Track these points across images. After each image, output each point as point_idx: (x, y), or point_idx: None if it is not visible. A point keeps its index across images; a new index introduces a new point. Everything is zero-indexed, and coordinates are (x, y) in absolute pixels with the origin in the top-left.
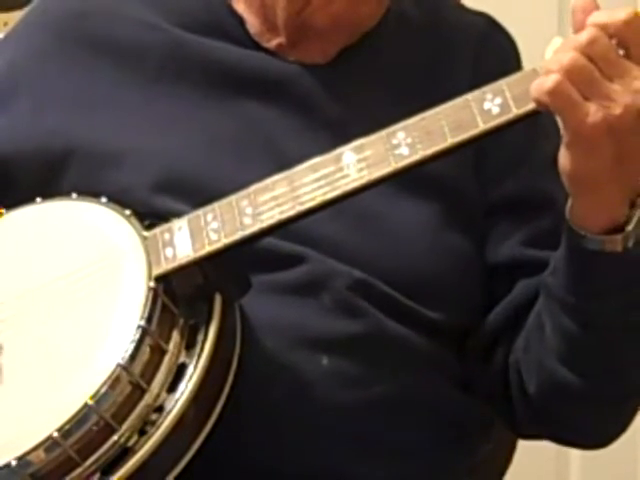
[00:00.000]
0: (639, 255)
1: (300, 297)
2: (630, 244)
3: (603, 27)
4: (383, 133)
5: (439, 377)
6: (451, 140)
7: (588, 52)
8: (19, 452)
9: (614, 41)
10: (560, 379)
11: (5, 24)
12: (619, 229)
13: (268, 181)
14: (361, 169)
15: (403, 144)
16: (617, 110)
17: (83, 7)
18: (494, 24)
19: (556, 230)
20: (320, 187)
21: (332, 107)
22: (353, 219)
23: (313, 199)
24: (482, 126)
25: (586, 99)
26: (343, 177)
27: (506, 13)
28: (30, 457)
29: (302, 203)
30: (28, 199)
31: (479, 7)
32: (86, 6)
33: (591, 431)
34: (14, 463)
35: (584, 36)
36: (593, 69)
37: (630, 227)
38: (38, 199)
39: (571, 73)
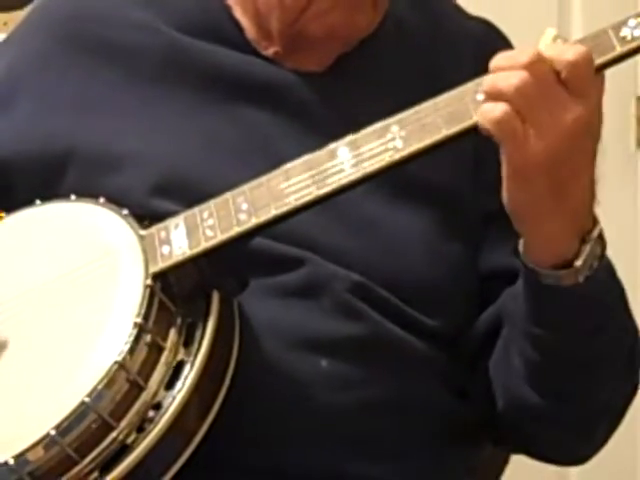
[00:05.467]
0: (593, 289)
1: (300, 300)
2: (581, 279)
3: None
4: (377, 127)
5: (437, 380)
6: (445, 132)
7: (532, 72)
8: (17, 450)
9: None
10: (525, 399)
11: (5, 24)
12: (571, 264)
13: (264, 177)
14: (355, 164)
15: (397, 137)
16: (548, 141)
17: (83, 10)
18: (494, 30)
19: None
20: (315, 182)
21: (330, 114)
22: (352, 224)
23: (309, 194)
24: (476, 118)
25: (524, 128)
26: (338, 172)
27: (506, 14)
28: (28, 455)
29: (298, 198)
30: (27, 202)
31: (480, 7)
32: (86, 9)
33: (561, 450)
34: (12, 461)
35: (525, 56)
36: (538, 94)
37: (579, 263)
38: (37, 201)
39: (521, 94)
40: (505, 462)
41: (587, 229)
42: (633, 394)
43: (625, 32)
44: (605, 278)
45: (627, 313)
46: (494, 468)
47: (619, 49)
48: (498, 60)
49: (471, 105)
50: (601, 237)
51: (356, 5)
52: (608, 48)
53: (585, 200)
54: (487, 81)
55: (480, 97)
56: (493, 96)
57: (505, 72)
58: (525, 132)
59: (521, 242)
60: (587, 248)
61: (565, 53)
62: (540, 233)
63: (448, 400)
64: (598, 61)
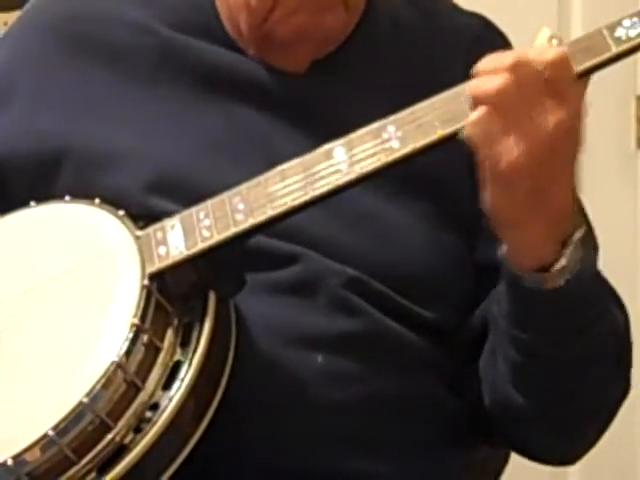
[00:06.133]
0: (575, 291)
1: (294, 296)
2: (562, 282)
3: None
4: (373, 127)
5: (435, 375)
6: (442, 132)
7: (514, 75)
8: (15, 451)
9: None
10: (510, 400)
11: (5, 24)
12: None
13: (261, 178)
14: (352, 164)
15: (394, 137)
16: (529, 145)
17: (77, 9)
18: (489, 25)
19: None
20: (311, 183)
21: (316, 114)
22: (348, 219)
23: (305, 195)
24: None
25: (505, 132)
26: (334, 172)
27: (506, 14)
28: (26, 456)
29: (294, 199)
30: (23, 202)
31: (481, 7)
32: (80, 8)
33: (550, 450)
34: (10, 462)
35: (509, 58)
36: (520, 97)
37: (559, 266)
38: (32, 203)
39: (502, 97)
40: (505, 461)
41: (569, 232)
42: (625, 394)
43: (620, 32)
44: (588, 280)
45: (614, 314)
46: (493, 466)
47: (614, 49)
48: (483, 64)
49: (467, 105)
50: (583, 240)
51: (323, 6)
52: (603, 48)
53: (566, 204)
54: (471, 84)
55: None
56: (476, 99)
57: (489, 75)
58: (506, 135)
59: (502, 246)
60: (568, 252)
61: (546, 53)
62: (521, 237)
63: (446, 396)
64: (593, 61)
